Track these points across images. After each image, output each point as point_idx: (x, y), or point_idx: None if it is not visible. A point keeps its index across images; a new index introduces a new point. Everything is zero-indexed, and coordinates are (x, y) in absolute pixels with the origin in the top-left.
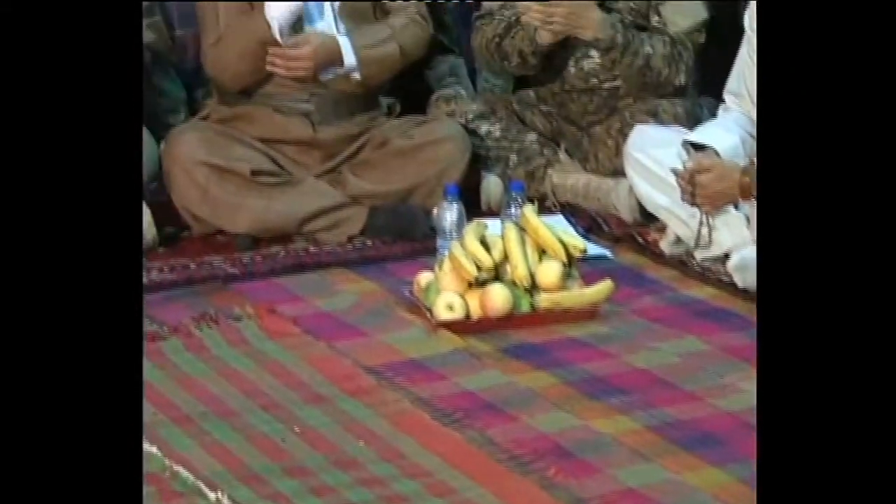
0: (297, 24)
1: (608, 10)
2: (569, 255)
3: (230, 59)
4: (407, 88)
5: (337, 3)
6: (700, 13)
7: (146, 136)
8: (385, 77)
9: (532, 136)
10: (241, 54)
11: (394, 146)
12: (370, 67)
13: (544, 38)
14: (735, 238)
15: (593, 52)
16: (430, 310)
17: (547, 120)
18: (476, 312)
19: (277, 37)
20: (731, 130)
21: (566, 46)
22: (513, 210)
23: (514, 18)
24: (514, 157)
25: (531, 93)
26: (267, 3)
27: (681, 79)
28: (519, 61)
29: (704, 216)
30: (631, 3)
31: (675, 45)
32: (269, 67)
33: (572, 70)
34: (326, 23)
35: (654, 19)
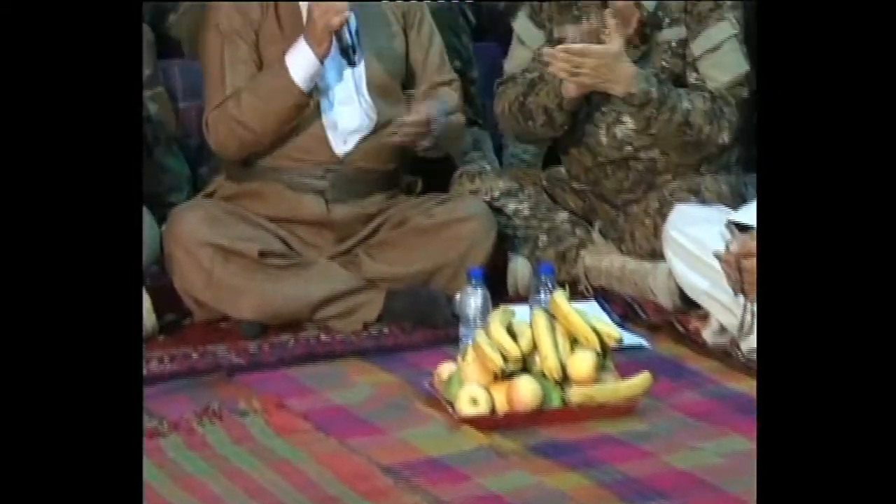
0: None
1: (641, 67)
2: (603, 345)
3: (250, 122)
4: (428, 164)
5: (361, 71)
6: (741, 66)
7: (146, 215)
8: (453, 149)
9: (563, 215)
10: (267, 118)
11: (413, 225)
12: (450, 136)
13: (571, 90)
14: None
15: (626, 118)
16: (451, 404)
17: (579, 197)
18: (502, 407)
19: (311, 102)
20: None
21: (595, 115)
22: (542, 295)
23: (537, 76)
24: (543, 238)
25: (562, 168)
26: (289, 64)
27: (724, 137)
28: (545, 119)
29: (750, 303)
30: (664, 63)
31: (716, 100)
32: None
33: (604, 139)
34: (345, 88)
35: (692, 77)
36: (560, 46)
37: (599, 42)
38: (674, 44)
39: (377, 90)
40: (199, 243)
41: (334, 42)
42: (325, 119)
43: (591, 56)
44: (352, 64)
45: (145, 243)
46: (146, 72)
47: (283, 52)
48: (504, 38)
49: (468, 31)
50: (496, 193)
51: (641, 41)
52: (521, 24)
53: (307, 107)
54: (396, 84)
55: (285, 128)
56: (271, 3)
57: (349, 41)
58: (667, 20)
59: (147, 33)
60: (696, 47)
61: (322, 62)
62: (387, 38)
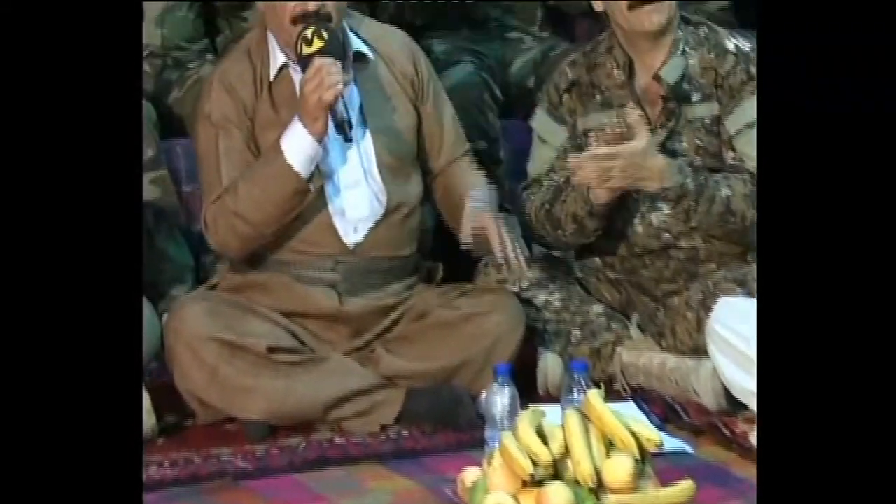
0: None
1: (673, 154)
2: (641, 449)
3: (248, 214)
4: (450, 251)
5: (371, 152)
6: None
7: (146, 307)
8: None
9: (598, 308)
10: (265, 209)
11: (435, 318)
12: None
13: (600, 196)
14: None
15: (662, 204)
16: None
17: (615, 288)
18: None
19: (311, 186)
20: None
21: (629, 202)
22: (575, 394)
23: (563, 181)
24: (576, 332)
25: (596, 257)
26: (284, 148)
27: None
28: (574, 227)
29: None
30: (698, 142)
31: None
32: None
33: (640, 228)
34: (351, 170)
35: (729, 156)
36: (585, 153)
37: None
38: (707, 121)
39: (387, 170)
40: (202, 338)
41: (330, 119)
42: (332, 206)
43: (619, 155)
44: (347, 140)
45: (145, 338)
46: (147, 153)
47: (280, 137)
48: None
49: (494, 107)
50: (525, 284)
51: (667, 119)
52: (541, 122)
53: (308, 193)
54: (408, 162)
55: (287, 218)
56: (265, 85)
57: (344, 116)
58: (696, 95)
59: (148, 111)
60: (731, 124)
61: (320, 142)
62: (394, 111)
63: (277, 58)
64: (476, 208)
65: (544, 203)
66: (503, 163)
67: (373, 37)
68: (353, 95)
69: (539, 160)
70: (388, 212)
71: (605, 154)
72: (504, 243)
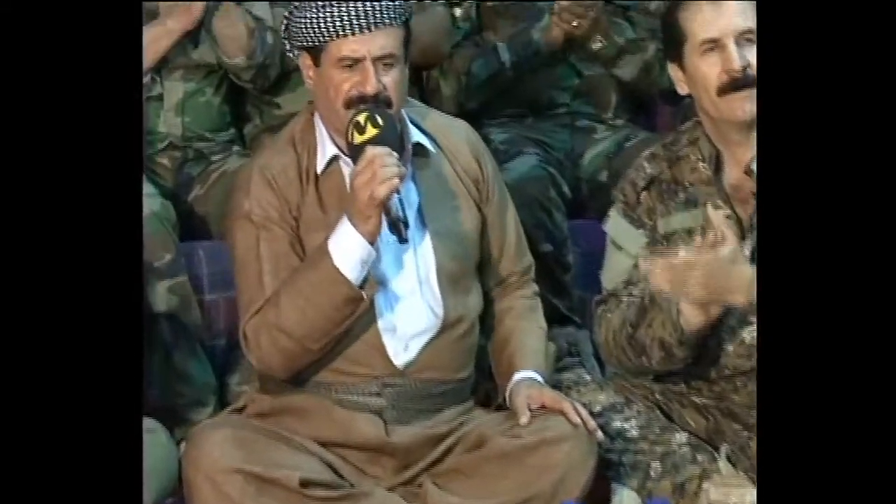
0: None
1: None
2: None
3: (293, 328)
4: None
5: (430, 258)
6: None
7: (161, 434)
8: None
9: (681, 437)
10: (312, 321)
11: (493, 448)
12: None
13: (692, 322)
14: None
15: (754, 318)
16: None
17: (701, 415)
18: None
19: (364, 294)
20: None
21: (718, 327)
22: None
23: (647, 299)
24: (656, 465)
25: (680, 379)
26: (332, 250)
27: None
28: (662, 355)
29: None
30: None
31: None
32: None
33: (730, 347)
34: (406, 278)
35: None
36: (659, 261)
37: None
38: None
39: (446, 279)
40: (226, 470)
41: (383, 217)
42: (381, 320)
43: (700, 266)
44: (402, 241)
45: (160, 470)
46: (165, 257)
47: (327, 238)
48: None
49: (562, 206)
50: (597, 408)
51: None
52: (615, 225)
53: (361, 302)
54: (470, 270)
55: (337, 331)
56: (312, 180)
57: (399, 214)
58: None
59: (166, 210)
60: None
61: (372, 243)
62: (456, 213)
63: (326, 148)
64: (529, 386)
65: (625, 324)
66: (571, 269)
67: (434, 128)
68: (411, 193)
69: (614, 270)
70: (445, 327)
71: (682, 262)
72: (579, 414)
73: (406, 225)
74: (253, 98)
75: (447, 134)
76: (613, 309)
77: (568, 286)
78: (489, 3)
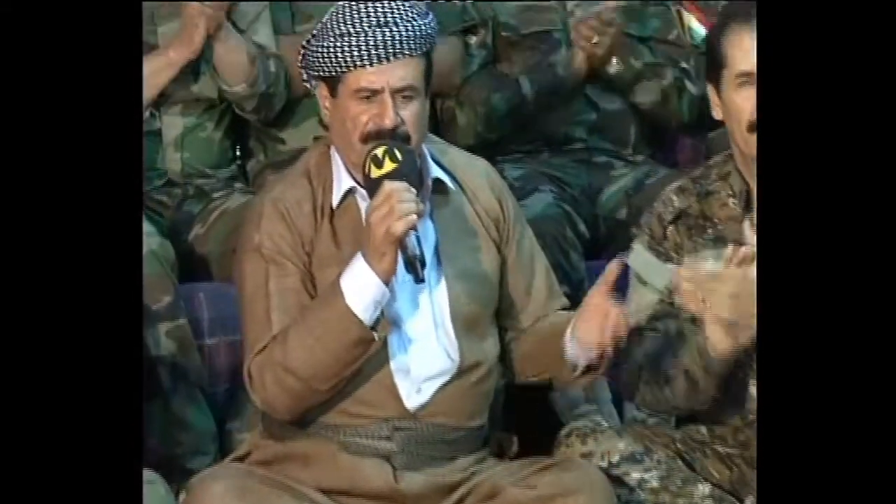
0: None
1: None
2: None
3: (301, 368)
4: (526, 419)
5: (445, 299)
6: None
7: (160, 487)
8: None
9: (704, 489)
10: (321, 361)
11: (507, 499)
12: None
13: (719, 346)
14: None
15: None
16: None
17: (725, 465)
18: None
19: (376, 335)
20: None
21: (741, 359)
22: None
23: (673, 330)
24: None
25: (701, 426)
26: (345, 288)
27: None
28: (687, 388)
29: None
30: None
31: None
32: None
33: (755, 390)
34: (421, 320)
35: None
36: (688, 273)
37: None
38: None
39: (463, 322)
40: None
41: (399, 255)
42: (394, 361)
43: (728, 280)
44: (419, 281)
45: None
46: (163, 299)
47: (340, 275)
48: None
49: (578, 246)
50: (615, 458)
51: None
52: (640, 258)
53: (372, 343)
54: (488, 314)
55: (346, 373)
56: (326, 214)
57: (415, 252)
58: None
59: (165, 249)
60: None
61: (387, 283)
62: (476, 253)
63: (342, 181)
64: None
65: (648, 356)
66: None
67: (454, 165)
68: (429, 231)
69: (638, 305)
70: (461, 372)
71: (710, 275)
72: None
73: (423, 264)
74: (256, 133)
75: (467, 172)
76: (636, 344)
77: None
78: (504, 34)
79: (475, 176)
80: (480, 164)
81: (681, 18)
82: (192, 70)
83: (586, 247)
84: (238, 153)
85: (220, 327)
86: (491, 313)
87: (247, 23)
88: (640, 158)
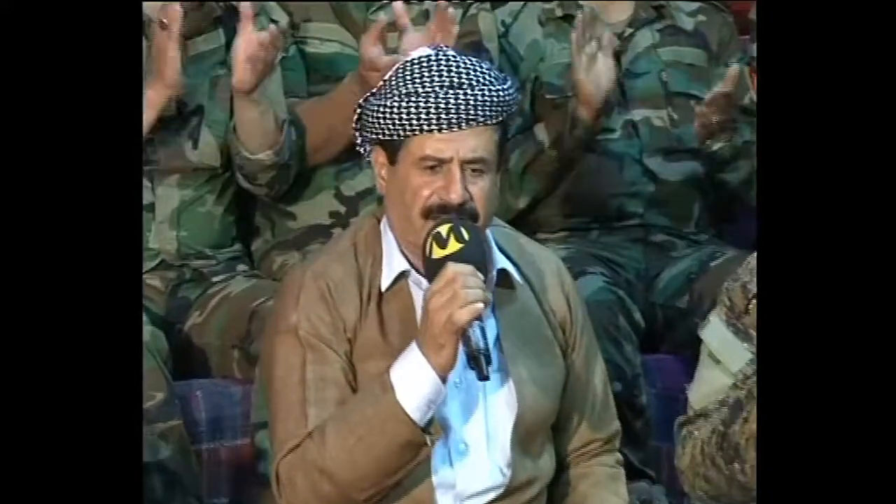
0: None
1: None
2: None
3: (339, 471)
4: None
5: (503, 406)
6: None
7: None
8: None
9: None
10: (363, 465)
11: None
12: None
13: None
14: None
15: None
16: None
17: None
18: None
19: (429, 439)
20: None
21: None
22: None
23: (744, 395)
24: None
25: None
26: (396, 382)
27: None
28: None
29: None
30: None
31: None
32: None
33: None
34: (473, 426)
35: None
36: None
37: None
38: None
39: (520, 434)
40: None
41: (461, 348)
42: (436, 475)
43: None
44: (482, 378)
45: None
46: (156, 397)
47: (388, 367)
48: (688, 348)
49: (633, 337)
50: None
51: None
52: (715, 333)
53: (423, 448)
54: (546, 428)
55: (390, 481)
56: (374, 297)
57: (479, 345)
58: None
59: (157, 341)
60: None
61: (444, 380)
62: (540, 357)
63: (394, 261)
64: None
65: (715, 432)
66: (645, 413)
67: (521, 255)
68: (490, 327)
69: (708, 386)
70: (511, 490)
71: None
72: None
73: (488, 359)
74: (263, 207)
75: (535, 264)
76: (701, 428)
77: (641, 434)
78: (548, 96)
79: (545, 270)
80: (550, 257)
81: (752, 81)
82: (190, 135)
83: (641, 338)
84: (241, 231)
85: (219, 430)
86: (549, 428)
87: None
88: (705, 237)
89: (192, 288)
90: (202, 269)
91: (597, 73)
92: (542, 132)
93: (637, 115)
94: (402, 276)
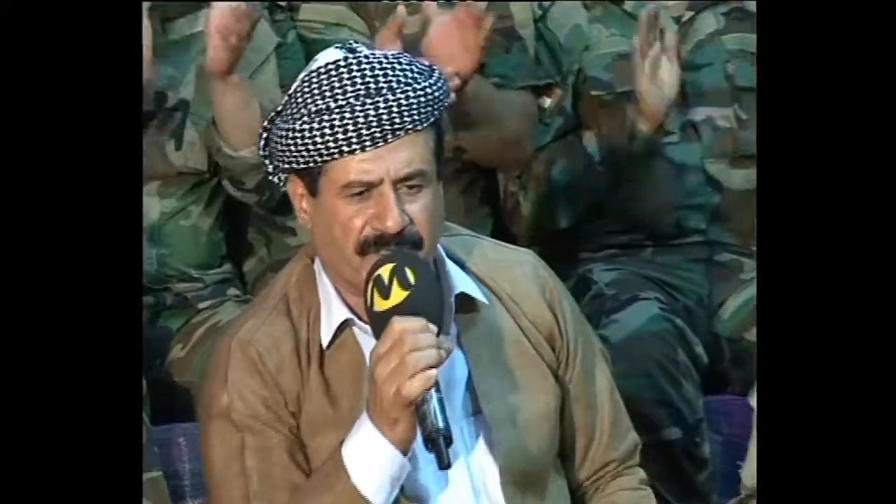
0: None
1: None
2: None
3: None
4: None
5: (488, 458)
6: None
7: None
8: None
9: None
10: None
11: None
12: None
13: None
14: None
15: None
16: None
17: None
18: None
19: None
20: None
21: None
22: None
23: None
24: None
25: None
26: (349, 462)
27: None
28: None
29: None
30: None
31: None
32: None
33: None
34: (455, 492)
35: None
36: None
37: None
38: None
39: (514, 484)
40: None
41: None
42: None
43: None
44: (443, 467)
45: None
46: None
47: (341, 442)
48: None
49: (694, 375)
50: None
51: None
52: None
53: None
54: (546, 465)
55: None
56: (315, 358)
57: (437, 423)
58: None
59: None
60: None
61: (405, 452)
62: (524, 388)
63: (333, 310)
64: None
65: None
66: (708, 465)
67: (486, 266)
68: (456, 365)
69: None
70: None
71: None
72: None
73: (448, 440)
74: (258, 221)
75: (506, 274)
76: None
77: (703, 488)
78: (593, 93)
79: (517, 277)
80: (524, 259)
81: None
82: (171, 132)
83: (704, 377)
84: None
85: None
86: (551, 462)
87: (245, 72)
88: None
89: (175, 316)
90: (186, 293)
91: (660, 82)
92: (591, 142)
93: (698, 114)
94: (345, 325)
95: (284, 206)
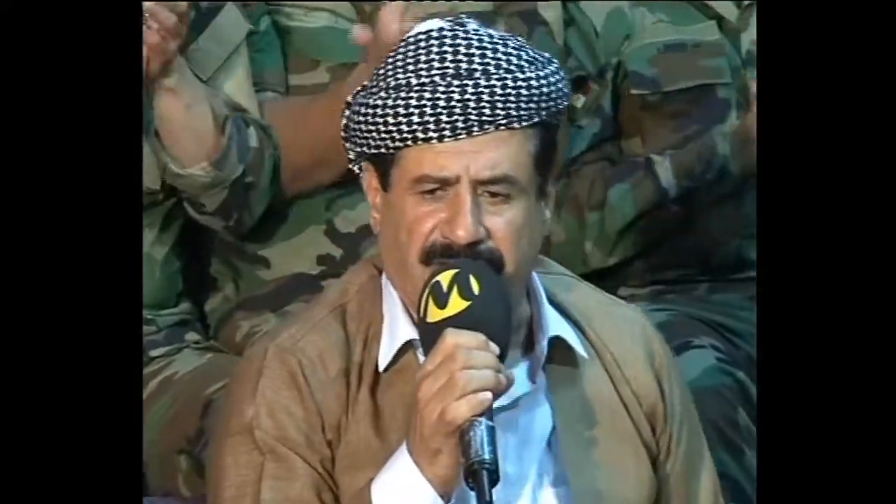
0: None
1: None
2: None
3: None
4: None
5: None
6: None
7: None
8: None
9: None
10: None
11: None
12: None
13: None
14: None
15: None
16: None
17: None
18: None
19: None
20: None
21: None
22: None
23: None
24: None
25: None
26: (377, 498)
27: None
28: None
29: None
30: None
31: None
32: None
33: None
34: None
35: None
36: None
37: None
38: None
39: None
40: None
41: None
42: None
43: None
44: (486, 503)
45: None
46: None
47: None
48: None
49: (748, 412)
50: None
51: None
52: None
53: None
54: None
55: None
56: (366, 380)
57: (484, 455)
58: None
59: None
60: None
61: (446, 496)
62: (616, 465)
63: (398, 329)
64: None
65: None
66: None
67: (587, 314)
68: (537, 421)
69: None
70: None
71: None
72: None
73: (493, 476)
74: (223, 249)
75: (612, 331)
76: None
77: None
78: (635, 91)
79: (624, 336)
80: (632, 315)
81: None
82: None
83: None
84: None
85: None
86: None
87: (207, 69)
88: None
89: None
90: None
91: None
92: (666, 171)
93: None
94: (408, 347)
95: (258, 231)
